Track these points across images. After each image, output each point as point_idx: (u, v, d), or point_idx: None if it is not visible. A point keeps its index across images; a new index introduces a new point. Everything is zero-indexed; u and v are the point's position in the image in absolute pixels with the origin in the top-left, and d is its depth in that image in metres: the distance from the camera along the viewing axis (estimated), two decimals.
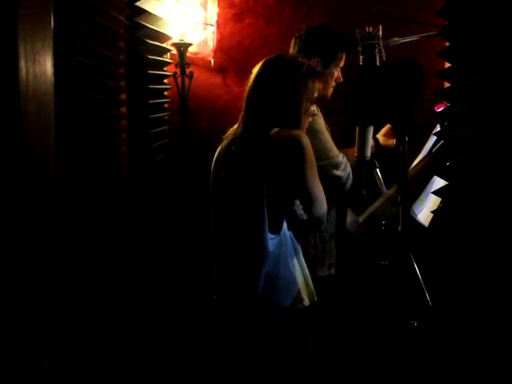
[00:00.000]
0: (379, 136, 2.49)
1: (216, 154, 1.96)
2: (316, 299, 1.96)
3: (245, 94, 1.88)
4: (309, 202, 1.82)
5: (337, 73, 2.36)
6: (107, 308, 2.28)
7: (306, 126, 1.92)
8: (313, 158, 1.81)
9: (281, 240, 1.86)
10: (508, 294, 1.46)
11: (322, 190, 1.85)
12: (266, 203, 1.79)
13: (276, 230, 1.85)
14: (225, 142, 1.92)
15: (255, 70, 1.87)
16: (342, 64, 2.37)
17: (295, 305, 1.87)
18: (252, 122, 1.84)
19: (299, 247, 1.97)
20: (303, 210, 1.84)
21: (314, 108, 1.91)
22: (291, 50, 2.36)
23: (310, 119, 1.93)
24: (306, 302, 1.90)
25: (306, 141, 1.79)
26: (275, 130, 1.79)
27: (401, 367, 1.91)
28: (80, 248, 2.00)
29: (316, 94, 1.89)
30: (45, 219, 1.59)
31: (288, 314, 1.86)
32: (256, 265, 1.82)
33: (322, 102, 2.29)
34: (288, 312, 1.86)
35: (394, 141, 2.35)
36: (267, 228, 1.81)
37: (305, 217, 1.84)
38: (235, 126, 1.93)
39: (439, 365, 1.84)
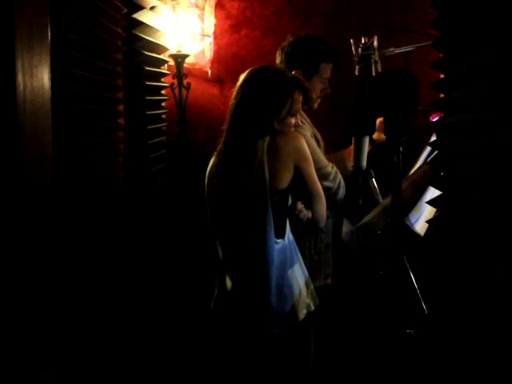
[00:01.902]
0: None
1: (209, 164, 1.97)
2: (318, 302, 1.98)
3: (230, 103, 1.90)
4: (311, 197, 1.87)
5: (322, 84, 2.27)
6: (106, 315, 2.28)
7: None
8: (310, 157, 1.86)
9: (285, 244, 1.88)
10: (504, 303, 1.47)
11: (321, 189, 1.90)
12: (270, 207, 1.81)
13: (280, 234, 1.87)
14: (216, 153, 1.94)
15: (241, 78, 1.89)
16: (327, 75, 2.27)
17: (301, 310, 1.90)
18: (235, 131, 1.86)
19: (299, 252, 1.98)
20: (306, 208, 1.86)
21: (294, 120, 1.88)
22: (276, 61, 2.30)
23: (292, 129, 1.89)
24: (311, 307, 1.94)
25: (302, 140, 1.85)
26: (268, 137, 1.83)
27: (398, 376, 1.92)
28: (80, 258, 2.01)
29: (298, 107, 1.88)
30: (43, 232, 1.60)
31: (294, 320, 1.88)
32: (264, 270, 1.84)
33: (308, 113, 2.25)
34: (294, 318, 1.88)
35: None
36: (273, 232, 1.83)
37: (310, 215, 1.87)
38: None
39: (436, 373, 1.84)
